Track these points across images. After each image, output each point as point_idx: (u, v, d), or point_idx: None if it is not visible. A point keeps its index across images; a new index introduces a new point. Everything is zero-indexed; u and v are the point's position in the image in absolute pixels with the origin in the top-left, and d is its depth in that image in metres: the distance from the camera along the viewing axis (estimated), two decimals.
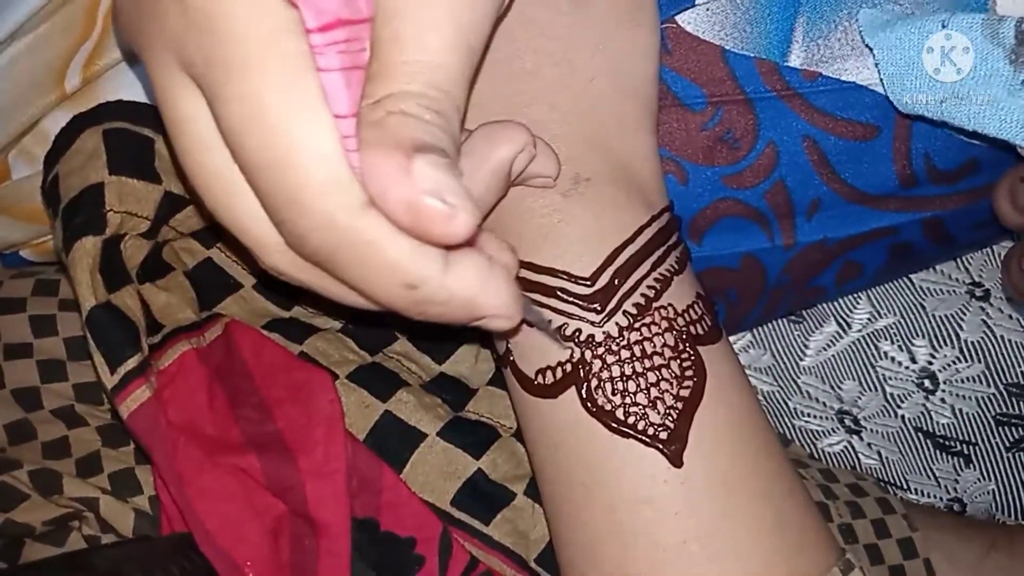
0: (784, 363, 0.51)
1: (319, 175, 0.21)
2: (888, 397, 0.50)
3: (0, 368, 0.37)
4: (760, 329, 0.51)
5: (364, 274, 0.22)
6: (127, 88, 0.36)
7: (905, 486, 0.51)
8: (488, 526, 0.35)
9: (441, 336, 0.39)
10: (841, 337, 0.50)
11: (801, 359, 0.51)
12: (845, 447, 0.51)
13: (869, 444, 0.51)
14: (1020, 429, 0.49)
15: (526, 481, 0.36)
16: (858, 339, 0.50)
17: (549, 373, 0.30)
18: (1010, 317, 0.49)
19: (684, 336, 0.30)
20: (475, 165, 0.26)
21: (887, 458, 0.51)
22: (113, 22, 0.26)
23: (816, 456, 0.51)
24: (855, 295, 0.50)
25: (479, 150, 0.26)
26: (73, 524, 0.34)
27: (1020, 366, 0.49)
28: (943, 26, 0.31)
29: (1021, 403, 0.49)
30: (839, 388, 0.50)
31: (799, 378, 0.51)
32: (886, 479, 0.51)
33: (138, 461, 0.36)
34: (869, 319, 0.50)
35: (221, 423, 0.34)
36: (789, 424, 0.51)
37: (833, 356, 0.50)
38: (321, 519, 0.33)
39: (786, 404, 0.51)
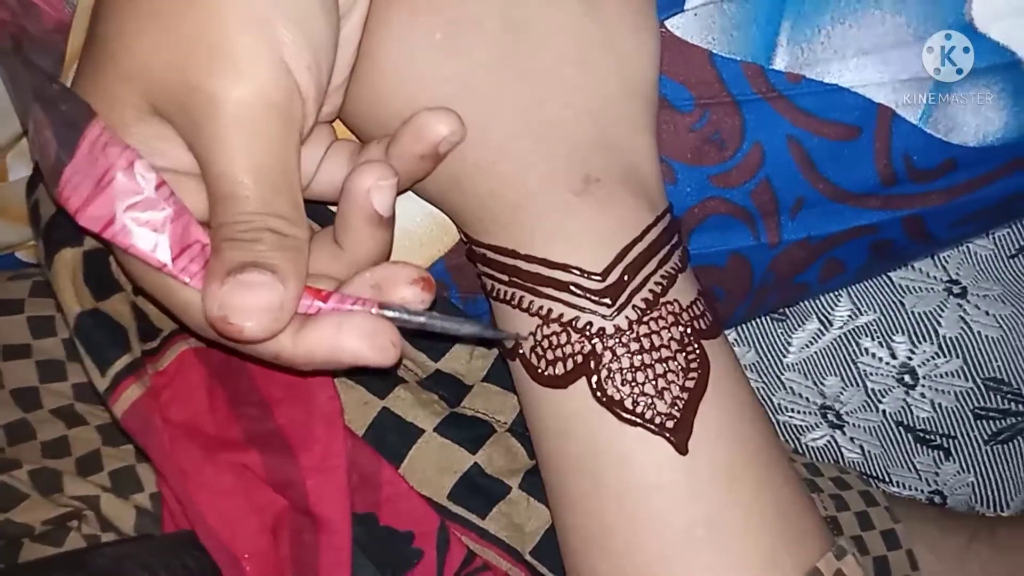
0: (768, 360, 0.52)
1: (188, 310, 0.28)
2: (869, 392, 0.51)
3: None
4: (744, 327, 0.52)
5: (246, 350, 0.28)
6: None
7: (887, 479, 0.52)
8: (484, 520, 0.36)
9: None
10: (823, 334, 0.51)
11: (784, 356, 0.52)
12: (828, 441, 0.52)
13: (851, 438, 0.52)
14: (998, 422, 0.51)
15: (521, 475, 0.36)
16: (840, 336, 0.51)
17: (559, 364, 0.31)
18: (987, 313, 0.50)
19: (689, 330, 0.31)
20: (402, 149, 0.31)
21: (869, 452, 0.52)
22: None
23: (800, 451, 0.52)
24: (836, 293, 0.51)
25: (404, 138, 0.31)
26: (72, 524, 0.34)
27: (997, 360, 0.50)
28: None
29: (999, 397, 0.50)
30: (822, 384, 0.51)
31: (783, 374, 0.52)
32: (869, 472, 0.52)
33: (139, 459, 0.36)
34: (850, 316, 0.51)
35: (222, 421, 0.34)
36: (773, 419, 0.52)
37: (816, 353, 0.51)
38: (322, 514, 0.33)
39: (770, 400, 0.52)
